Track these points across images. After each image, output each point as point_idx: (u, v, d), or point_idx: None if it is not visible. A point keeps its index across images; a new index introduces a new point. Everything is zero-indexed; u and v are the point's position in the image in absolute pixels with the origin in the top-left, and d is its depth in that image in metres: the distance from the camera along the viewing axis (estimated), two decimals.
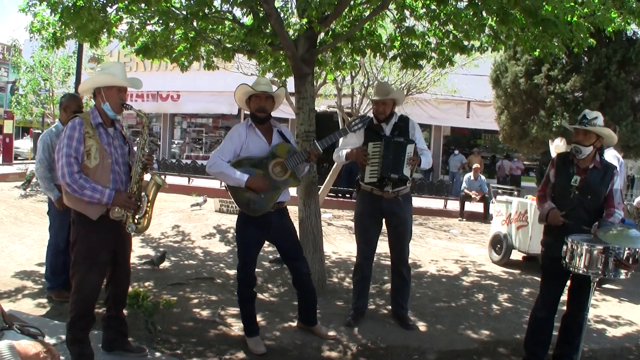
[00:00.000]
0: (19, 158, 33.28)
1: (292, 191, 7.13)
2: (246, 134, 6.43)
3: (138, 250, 10.96)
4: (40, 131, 31.53)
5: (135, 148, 5.76)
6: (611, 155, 9.45)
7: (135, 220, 5.44)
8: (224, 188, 6.80)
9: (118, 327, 5.82)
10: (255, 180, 6.18)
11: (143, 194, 5.50)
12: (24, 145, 37.81)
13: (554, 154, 10.77)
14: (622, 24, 8.54)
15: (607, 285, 9.98)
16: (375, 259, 7.97)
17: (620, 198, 6.18)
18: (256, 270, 6.70)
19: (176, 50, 10.03)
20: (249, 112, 6.63)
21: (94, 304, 5.49)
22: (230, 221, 13.99)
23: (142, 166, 5.52)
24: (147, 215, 5.51)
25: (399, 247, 7.48)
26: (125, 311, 6.00)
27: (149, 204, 5.52)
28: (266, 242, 6.91)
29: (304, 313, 6.99)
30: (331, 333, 7.02)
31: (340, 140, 7.12)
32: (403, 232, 7.43)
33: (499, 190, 15.00)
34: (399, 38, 10.01)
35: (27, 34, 9.74)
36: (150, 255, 10.72)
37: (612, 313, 8.59)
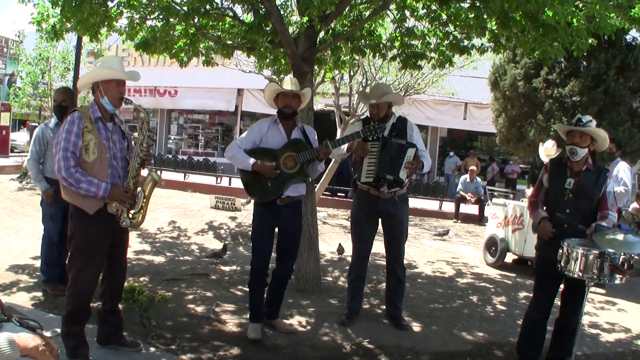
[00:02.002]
0: (15, 150, 33.18)
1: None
2: (268, 127, 6.69)
3: (135, 246, 10.98)
4: (37, 124, 31.50)
5: (133, 143, 5.77)
6: (625, 167, 9.74)
7: (130, 215, 5.44)
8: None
9: (113, 321, 5.83)
10: (262, 165, 6.36)
11: (139, 189, 5.51)
12: (20, 137, 37.68)
13: (542, 156, 10.87)
14: (622, 22, 8.56)
15: (600, 296, 10.00)
16: (370, 258, 7.98)
17: (614, 200, 6.21)
18: None
19: (176, 46, 10.03)
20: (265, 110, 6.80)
21: (91, 297, 5.50)
22: (225, 218, 14.01)
23: (140, 162, 5.53)
24: (142, 210, 5.52)
25: (395, 247, 7.50)
26: (120, 305, 6.01)
27: (144, 200, 5.54)
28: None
29: (270, 307, 7.06)
30: (291, 328, 7.11)
31: (338, 136, 7.14)
32: (399, 233, 7.45)
33: (495, 193, 15.01)
34: (399, 38, 10.02)
35: (27, 26, 9.77)
36: (145, 251, 10.76)
37: (607, 319, 8.60)
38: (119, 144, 5.57)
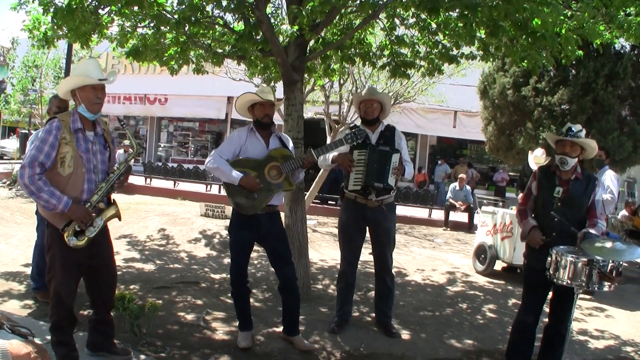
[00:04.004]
0: (4, 158, 33.11)
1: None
2: (246, 136, 6.63)
3: (124, 253, 10.99)
4: (27, 131, 31.46)
5: (116, 166, 5.70)
6: (612, 175, 9.87)
7: (77, 237, 5.26)
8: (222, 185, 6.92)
9: (104, 329, 5.80)
10: (248, 180, 6.33)
11: (100, 218, 5.43)
12: (10, 144, 37.60)
13: (532, 164, 10.92)
14: (610, 38, 8.63)
15: (590, 303, 10.05)
16: (359, 266, 8.01)
17: (603, 209, 6.26)
18: None
19: (166, 54, 10.03)
20: (240, 119, 6.76)
21: (72, 305, 5.45)
22: (215, 226, 13.99)
23: (111, 188, 5.49)
24: (88, 238, 5.33)
25: (382, 255, 7.53)
26: (111, 313, 5.99)
27: (98, 229, 5.40)
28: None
29: (286, 321, 6.98)
30: (310, 346, 6.94)
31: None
32: (386, 241, 7.48)
33: (484, 201, 15.04)
34: (388, 47, 10.04)
35: (19, 33, 9.81)
36: (135, 258, 10.75)
37: (596, 326, 8.65)
38: (100, 154, 5.48)
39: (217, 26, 9.58)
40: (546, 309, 6.33)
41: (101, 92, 5.44)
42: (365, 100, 7.47)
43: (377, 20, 9.67)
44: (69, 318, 5.42)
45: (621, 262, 5.50)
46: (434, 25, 9.22)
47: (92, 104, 5.33)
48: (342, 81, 17.31)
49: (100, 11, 8.72)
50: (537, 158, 11.00)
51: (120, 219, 5.76)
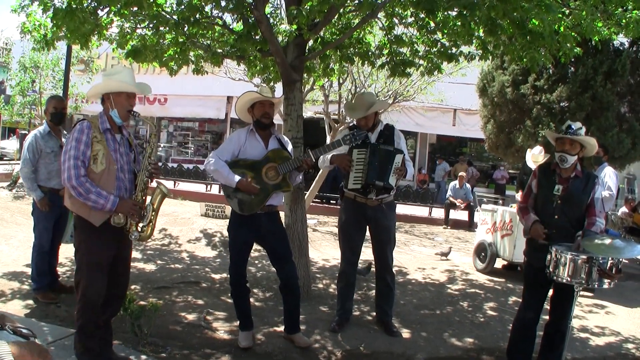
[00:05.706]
0: (4, 158, 33.02)
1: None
2: (246, 137, 6.64)
3: None
4: (26, 132, 31.40)
5: (140, 157, 5.76)
6: (611, 172, 9.88)
7: (139, 228, 5.45)
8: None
9: (104, 335, 5.69)
10: (245, 184, 6.36)
11: (148, 202, 5.55)
12: (10, 145, 37.44)
13: (529, 162, 10.92)
14: (609, 34, 8.64)
15: (590, 300, 10.06)
16: (359, 265, 8.01)
17: (602, 207, 6.26)
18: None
19: (166, 55, 10.02)
20: (244, 120, 6.77)
21: (99, 308, 5.47)
22: (216, 225, 14.00)
23: (148, 174, 5.54)
24: (151, 223, 5.52)
25: (382, 254, 7.54)
26: None
27: (153, 213, 5.55)
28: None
29: (287, 321, 6.98)
30: (308, 341, 6.95)
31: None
32: (386, 240, 7.49)
33: (484, 199, 15.03)
34: (387, 46, 10.05)
35: (15, 34, 9.80)
36: (136, 258, 10.75)
37: (596, 323, 8.66)
38: (126, 156, 5.58)
39: (216, 26, 9.59)
40: (546, 307, 6.35)
41: (133, 100, 5.65)
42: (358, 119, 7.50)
43: (376, 20, 9.67)
44: (94, 321, 5.43)
45: (621, 259, 5.52)
46: (432, 25, 9.22)
47: (124, 110, 5.50)
48: (341, 80, 17.31)
49: (99, 12, 8.73)
50: (535, 156, 11.00)
51: (170, 196, 5.98)
